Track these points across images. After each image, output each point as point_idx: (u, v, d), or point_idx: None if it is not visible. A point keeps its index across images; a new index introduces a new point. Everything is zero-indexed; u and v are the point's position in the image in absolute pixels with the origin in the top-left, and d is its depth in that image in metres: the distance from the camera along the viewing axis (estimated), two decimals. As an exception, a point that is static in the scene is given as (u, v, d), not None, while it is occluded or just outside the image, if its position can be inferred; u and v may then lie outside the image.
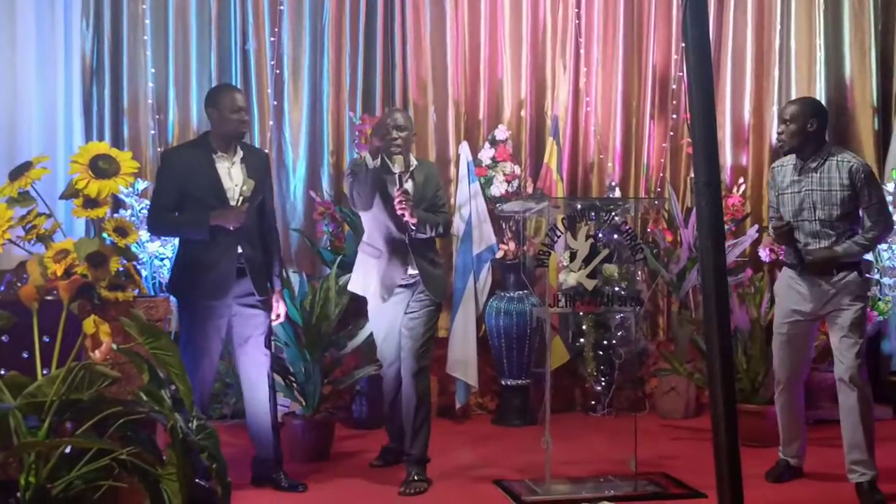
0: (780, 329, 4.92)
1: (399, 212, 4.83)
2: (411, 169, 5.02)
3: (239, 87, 6.59)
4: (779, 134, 4.87)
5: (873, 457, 4.62)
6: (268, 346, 4.84)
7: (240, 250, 4.69)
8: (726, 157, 7.28)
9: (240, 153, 4.78)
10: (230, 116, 4.71)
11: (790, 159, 4.87)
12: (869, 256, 6.48)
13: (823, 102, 7.15)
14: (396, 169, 4.85)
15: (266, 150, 6.60)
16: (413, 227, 4.89)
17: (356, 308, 5.34)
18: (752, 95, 7.33)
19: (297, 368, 5.49)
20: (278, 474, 4.87)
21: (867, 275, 4.77)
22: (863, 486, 4.60)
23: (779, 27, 7.33)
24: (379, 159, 4.81)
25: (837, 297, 4.70)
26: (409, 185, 4.96)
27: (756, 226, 6.84)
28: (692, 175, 7.03)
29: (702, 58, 2.58)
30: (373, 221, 5.00)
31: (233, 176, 4.73)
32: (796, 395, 4.96)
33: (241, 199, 4.67)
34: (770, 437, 5.21)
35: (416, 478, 4.86)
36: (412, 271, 4.97)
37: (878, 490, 4.57)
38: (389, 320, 5.09)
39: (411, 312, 5.01)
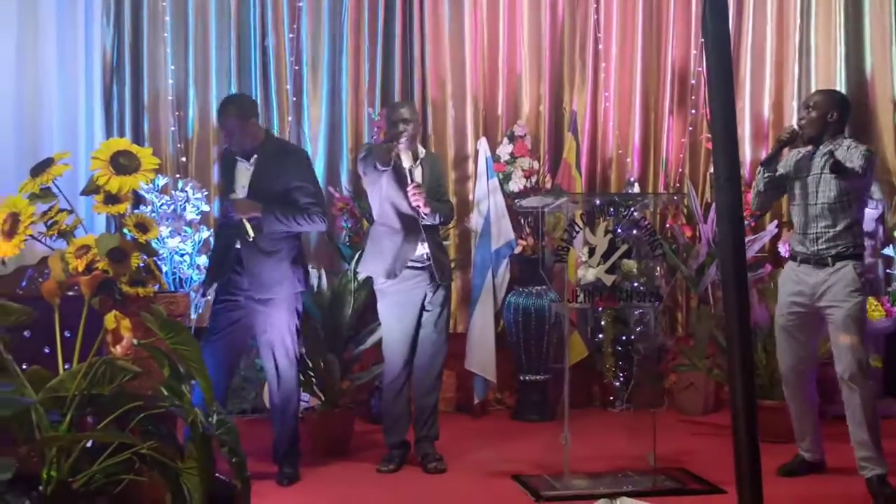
0: (780, 320, 4.95)
1: (414, 203, 4.97)
2: (419, 159, 5.16)
3: (257, 83, 6.64)
4: (799, 120, 4.90)
5: (881, 452, 4.63)
6: None
7: None
8: (746, 153, 7.24)
9: (255, 156, 4.90)
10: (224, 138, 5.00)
11: (808, 149, 4.89)
12: (889, 251, 6.47)
13: (844, 97, 7.16)
14: (406, 163, 5.00)
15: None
16: (425, 216, 5.02)
17: (375, 304, 5.35)
18: (771, 91, 7.29)
19: (315, 364, 5.51)
20: (281, 465, 4.97)
21: (863, 272, 4.74)
22: (873, 482, 4.60)
23: (798, 22, 7.28)
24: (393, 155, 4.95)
25: (834, 289, 4.70)
26: (418, 175, 5.11)
27: (776, 221, 6.80)
28: (711, 170, 7.00)
29: (722, 53, 2.58)
30: (386, 200, 5.09)
31: (239, 179, 4.92)
32: (803, 389, 4.94)
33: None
34: (789, 432, 5.19)
35: (438, 456, 5.11)
36: (424, 251, 5.07)
37: (888, 484, 4.57)
38: (399, 315, 5.14)
39: (431, 308, 5.14)
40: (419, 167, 5.14)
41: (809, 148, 4.89)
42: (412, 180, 5.02)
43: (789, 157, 5.00)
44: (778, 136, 5.02)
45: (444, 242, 6.13)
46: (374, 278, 5.17)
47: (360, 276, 5.49)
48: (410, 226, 5.07)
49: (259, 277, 4.82)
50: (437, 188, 5.21)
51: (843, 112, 4.85)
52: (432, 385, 5.20)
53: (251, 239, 4.77)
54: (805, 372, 4.93)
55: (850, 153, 4.65)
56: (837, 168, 4.52)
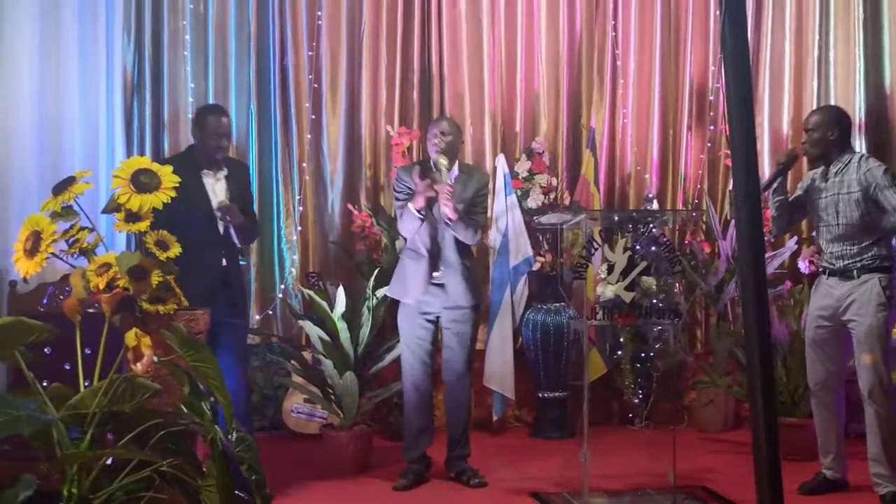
0: (809, 334, 4.94)
1: (442, 203, 4.96)
2: (454, 175, 5.13)
3: (276, 101, 6.67)
4: (802, 143, 4.91)
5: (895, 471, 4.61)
6: None
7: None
8: (764, 169, 7.21)
9: (224, 170, 4.99)
10: (209, 142, 4.92)
11: (820, 169, 4.90)
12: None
13: (863, 112, 7.14)
14: (443, 165, 5.00)
15: (304, 164, 6.67)
16: (449, 223, 5.00)
17: (394, 321, 5.36)
18: (790, 106, 7.27)
19: (334, 381, 5.51)
20: None
21: (888, 285, 4.72)
22: (886, 498, 4.60)
23: (817, 37, 7.26)
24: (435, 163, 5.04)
25: (858, 302, 4.69)
26: (446, 177, 5.07)
27: (795, 238, 6.77)
28: (730, 187, 6.98)
29: (741, 69, 2.57)
30: (407, 213, 5.08)
31: (217, 192, 4.93)
32: (829, 404, 4.91)
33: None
34: (811, 450, 5.15)
35: (476, 469, 5.18)
36: (438, 273, 5.09)
37: None
38: (409, 326, 5.17)
39: (454, 324, 5.13)
40: (454, 174, 5.14)
41: (821, 168, 4.89)
42: (443, 179, 5.00)
43: (804, 180, 5.01)
44: (777, 160, 5.02)
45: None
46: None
47: (388, 294, 5.46)
48: (434, 250, 5.08)
49: (240, 295, 5.06)
50: (471, 202, 5.15)
51: (843, 128, 4.87)
52: (459, 406, 5.22)
53: (240, 246, 4.89)
54: (834, 387, 4.90)
55: (883, 194, 4.63)
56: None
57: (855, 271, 4.71)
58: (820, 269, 4.98)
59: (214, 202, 4.87)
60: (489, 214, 6.65)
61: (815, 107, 7.18)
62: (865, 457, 4.83)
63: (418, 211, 4.98)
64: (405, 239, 5.25)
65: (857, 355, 4.69)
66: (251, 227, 5.20)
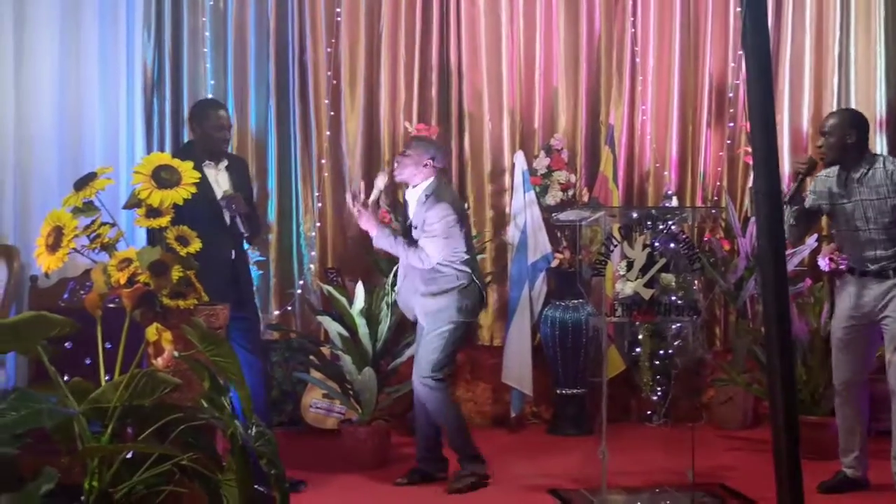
0: (837, 333, 4.93)
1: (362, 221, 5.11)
2: (421, 199, 5.14)
3: (295, 97, 6.69)
4: (818, 147, 4.87)
5: None
6: None
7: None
8: (784, 166, 7.16)
9: (224, 161, 5.03)
10: (214, 134, 4.95)
11: (833, 170, 4.86)
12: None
13: (884, 110, 7.09)
14: (377, 184, 5.15)
15: (323, 160, 6.68)
16: (372, 237, 5.14)
17: (412, 317, 5.38)
18: (810, 103, 7.22)
19: (353, 376, 5.52)
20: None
21: None
22: None
23: (838, 34, 7.21)
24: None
25: (892, 303, 4.68)
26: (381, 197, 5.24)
27: (815, 235, 6.73)
28: (750, 184, 6.96)
29: (762, 66, 2.56)
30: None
31: (220, 182, 4.95)
32: (854, 402, 4.91)
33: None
34: (831, 449, 5.13)
35: (462, 472, 5.09)
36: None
37: None
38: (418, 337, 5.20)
39: (422, 333, 5.14)
40: (422, 198, 5.13)
41: (835, 171, 4.85)
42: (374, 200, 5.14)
43: (816, 185, 4.96)
44: (795, 170, 4.97)
45: (479, 256, 6.12)
46: None
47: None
48: (408, 270, 5.18)
49: (249, 289, 5.10)
50: (420, 227, 5.09)
51: (861, 130, 4.83)
52: (447, 431, 5.18)
53: (247, 236, 4.92)
54: (859, 384, 4.90)
55: None
56: None
57: (891, 271, 4.72)
58: (846, 270, 4.95)
59: (218, 193, 4.89)
60: (508, 210, 6.67)
61: (835, 105, 7.14)
62: (887, 455, 4.81)
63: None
64: None
65: (890, 353, 4.68)
66: (256, 218, 5.23)
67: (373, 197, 5.08)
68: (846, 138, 4.76)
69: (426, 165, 5.14)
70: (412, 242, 5.04)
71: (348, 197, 5.15)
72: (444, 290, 5.05)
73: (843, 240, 4.91)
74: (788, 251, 6.34)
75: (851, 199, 4.76)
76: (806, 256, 6.67)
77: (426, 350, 5.05)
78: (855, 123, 4.83)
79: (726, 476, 5.19)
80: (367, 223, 5.06)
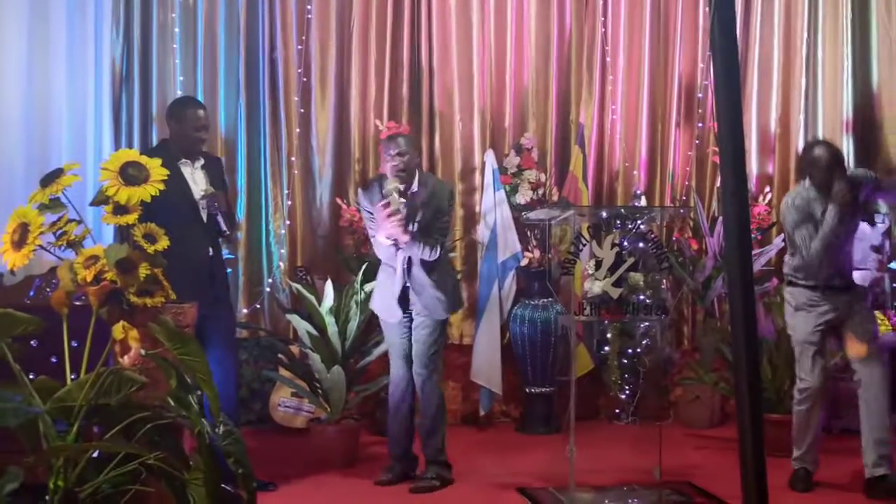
0: (810, 338, 4.97)
1: (393, 234, 4.90)
2: (412, 191, 5.03)
3: (265, 94, 6.66)
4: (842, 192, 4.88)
5: None
6: None
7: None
8: (752, 167, 7.25)
9: (200, 160, 4.96)
10: (192, 134, 4.90)
11: (810, 188, 4.91)
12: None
13: (851, 112, 7.19)
14: (392, 190, 4.91)
15: (293, 158, 6.66)
16: (402, 246, 4.95)
17: (381, 315, 5.37)
18: (778, 104, 7.30)
19: (322, 375, 5.51)
20: None
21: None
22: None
23: (805, 36, 7.28)
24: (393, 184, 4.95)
25: (859, 315, 4.95)
26: (401, 205, 4.94)
27: (782, 235, 6.79)
28: (718, 184, 7.01)
29: (729, 67, 2.58)
30: (376, 243, 5.08)
31: (196, 181, 4.89)
32: (823, 406, 5.00)
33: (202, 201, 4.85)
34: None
35: (429, 475, 5.05)
36: (404, 283, 5.05)
37: None
38: (398, 334, 5.14)
39: (418, 327, 5.10)
40: (409, 197, 5.02)
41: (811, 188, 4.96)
42: (387, 206, 4.90)
43: (796, 202, 5.00)
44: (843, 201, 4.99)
45: (450, 255, 6.12)
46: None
47: (371, 307, 5.41)
48: (406, 268, 5.04)
49: (224, 287, 5.06)
50: (432, 218, 5.04)
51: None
52: (430, 426, 5.14)
53: (227, 234, 4.87)
54: (824, 390, 5.00)
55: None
56: None
57: (849, 283, 5.02)
58: (797, 282, 5.05)
59: (196, 191, 4.86)
60: (478, 209, 6.68)
61: (802, 105, 7.23)
62: (847, 453, 4.89)
63: (389, 238, 4.95)
64: None
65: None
66: (233, 216, 5.23)
67: (396, 204, 4.94)
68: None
69: (418, 164, 5.19)
70: (414, 237, 4.97)
71: (379, 206, 4.92)
72: (444, 279, 5.10)
73: (809, 251, 4.96)
74: (755, 251, 6.40)
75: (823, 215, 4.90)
76: (773, 256, 6.73)
77: (431, 339, 5.08)
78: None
79: (693, 474, 5.23)
80: (400, 232, 4.91)
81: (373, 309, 5.29)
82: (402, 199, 4.94)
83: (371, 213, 5.03)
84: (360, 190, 5.35)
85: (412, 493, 4.96)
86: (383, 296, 5.12)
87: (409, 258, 5.02)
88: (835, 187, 4.77)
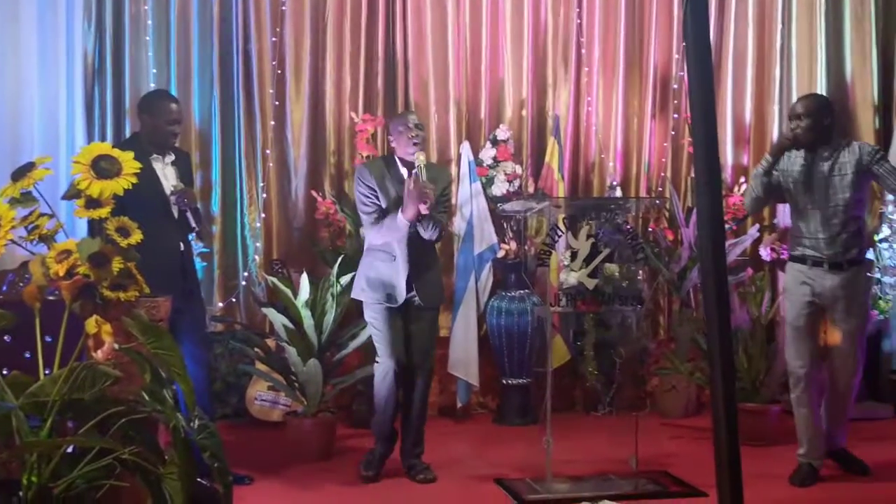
0: (795, 321, 4.96)
1: (420, 202, 4.80)
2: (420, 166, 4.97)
3: (240, 86, 6.63)
4: (794, 129, 4.87)
5: None
6: None
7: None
8: (727, 157, 7.28)
9: (171, 155, 4.93)
10: (165, 127, 4.88)
11: (800, 153, 4.90)
12: (870, 255, 6.51)
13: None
14: (422, 163, 4.87)
15: (268, 150, 6.64)
16: (419, 221, 4.89)
17: (358, 308, 5.34)
18: (753, 95, 7.33)
19: (298, 368, 5.50)
20: None
21: (868, 273, 4.84)
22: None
23: (780, 27, 7.32)
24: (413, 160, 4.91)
25: (850, 298, 4.84)
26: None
27: (757, 225, 6.84)
28: (693, 174, 7.04)
29: (702, 57, 2.58)
30: (394, 224, 4.93)
31: (167, 176, 4.87)
32: (817, 391, 4.98)
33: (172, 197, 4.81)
34: (771, 435, 5.21)
35: (427, 466, 5.09)
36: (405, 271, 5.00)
37: None
38: (395, 325, 5.05)
39: (419, 319, 5.07)
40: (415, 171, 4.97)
41: (801, 153, 4.91)
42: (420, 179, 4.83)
43: (782, 163, 4.98)
44: (781, 143, 4.98)
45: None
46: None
47: (354, 297, 5.30)
48: (406, 251, 4.97)
49: (195, 281, 5.10)
50: (440, 195, 5.02)
51: (833, 115, 4.94)
52: (420, 411, 5.16)
53: (197, 230, 4.86)
54: (815, 373, 4.97)
55: (887, 179, 4.79)
56: None
57: (844, 263, 4.84)
58: (794, 258, 5.00)
59: (166, 186, 4.83)
60: (454, 201, 6.67)
61: (777, 96, 7.26)
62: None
63: (410, 220, 4.86)
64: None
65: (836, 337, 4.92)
66: (199, 212, 5.20)
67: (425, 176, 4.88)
68: (823, 120, 4.84)
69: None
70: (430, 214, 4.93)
71: (412, 181, 4.82)
72: (438, 264, 5.20)
73: (800, 219, 4.94)
74: (730, 241, 6.44)
75: (818, 177, 4.83)
76: (748, 246, 6.77)
77: (432, 332, 5.18)
78: (830, 107, 4.96)
79: (669, 463, 5.25)
80: (425, 206, 4.83)
81: (360, 298, 5.13)
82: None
83: (373, 190, 4.95)
84: (361, 167, 5.21)
85: (422, 482, 5.00)
86: (383, 281, 4.99)
87: (415, 243, 4.97)
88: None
